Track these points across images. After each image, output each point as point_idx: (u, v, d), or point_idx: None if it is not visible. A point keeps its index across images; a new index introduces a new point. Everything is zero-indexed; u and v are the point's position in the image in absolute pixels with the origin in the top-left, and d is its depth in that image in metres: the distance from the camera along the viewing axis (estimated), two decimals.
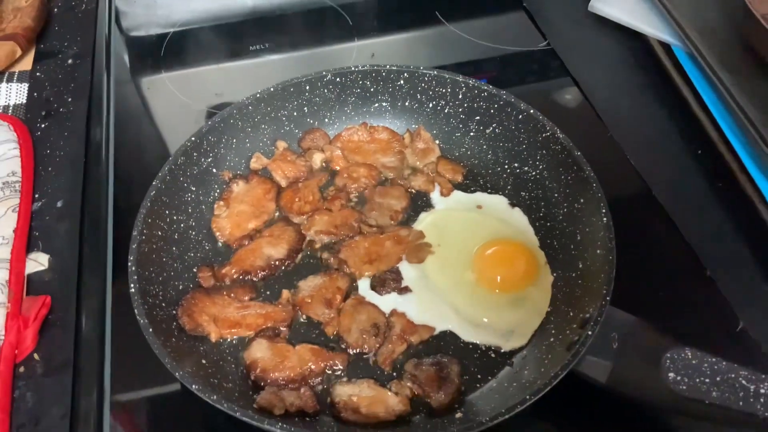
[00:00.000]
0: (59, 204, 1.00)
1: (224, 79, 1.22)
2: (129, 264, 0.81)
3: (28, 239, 0.96)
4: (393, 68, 1.02)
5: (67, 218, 0.99)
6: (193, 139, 0.94)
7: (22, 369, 0.84)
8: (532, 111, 0.95)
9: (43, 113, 1.13)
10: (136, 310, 0.77)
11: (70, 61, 1.22)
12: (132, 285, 0.79)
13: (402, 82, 1.03)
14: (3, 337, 0.85)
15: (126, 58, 1.26)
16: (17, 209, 0.99)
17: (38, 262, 0.94)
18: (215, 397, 0.71)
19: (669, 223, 0.95)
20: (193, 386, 0.71)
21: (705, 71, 1.03)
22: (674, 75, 1.09)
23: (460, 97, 1.01)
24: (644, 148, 1.03)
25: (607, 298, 0.76)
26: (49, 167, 1.05)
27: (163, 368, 0.81)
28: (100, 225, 0.98)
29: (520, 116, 0.97)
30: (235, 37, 1.28)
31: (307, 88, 1.02)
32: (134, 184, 1.04)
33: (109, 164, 1.06)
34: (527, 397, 0.70)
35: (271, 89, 1.00)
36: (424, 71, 1.01)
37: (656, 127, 1.07)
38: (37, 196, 1.02)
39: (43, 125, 1.11)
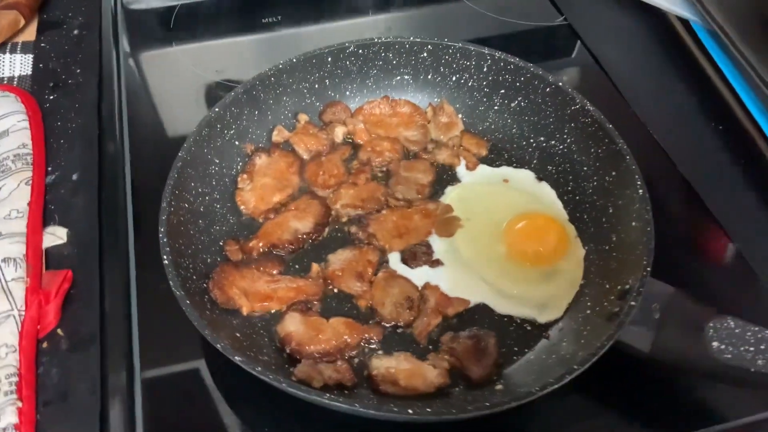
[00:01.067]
0: (74, 177, 0.97)
1: (236, 52, 1.20)
2: (160, 235, 0.79)
3: (43, 213, 0.93)
4: (417, 40, 1.00)
5: (83, 191, 0.96)
6: (216, 110, 0.92)
7: (45, 345, 0.81)
8: (560, 84, 0.94)
9: (51, 85, 1.10)
10: (171, 282, 0.75)
11: (75, 31, 1.18)
12: (165, 257, 0.77)
13: (425, 54, 1.01)
14: (24, 313, 0.83)
15: (133, 30, 1.22)
16: (30, 182, 0.95)
17: (56, 236, 0.91)
18: (259, 368, 0.69)
19: (695, 197, 0.95)
20: (236, 357, 0.70)
21: (727, 48, 1.03)
22: (695, 51, 1.09)
23: (485, 70, 1.00)
24: (667, 124, 1.03)
25: (648, 269, 0.76)
26: (61, 140, 1.02)
27: (191, 342, 0.81)
28: (118, 198, 0.96)
29: (548, 89, 0.96)
30: (247, 9, 1.25)
31: (329, 59, 1.00)
32: (148, 158, 1.02)
33: (124, 137, 1.03)
34: (575, 366, 0.70)
35: (294, 60, 0.98)
36: (449, 43, 1.00)
37: (678, 103, 1.07)
38: (50, 169, 0.98)
39: (51, 97, 1.08)
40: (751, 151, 0.99)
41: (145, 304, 0.85)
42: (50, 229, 0.92)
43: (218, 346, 0.70)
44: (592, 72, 1.14)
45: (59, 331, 0.82)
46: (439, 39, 1.00)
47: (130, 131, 1.05)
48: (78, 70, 1.12)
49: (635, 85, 1.09)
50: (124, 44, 1.20)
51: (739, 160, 0.99)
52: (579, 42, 1.18)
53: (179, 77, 1.15)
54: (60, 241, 0.90)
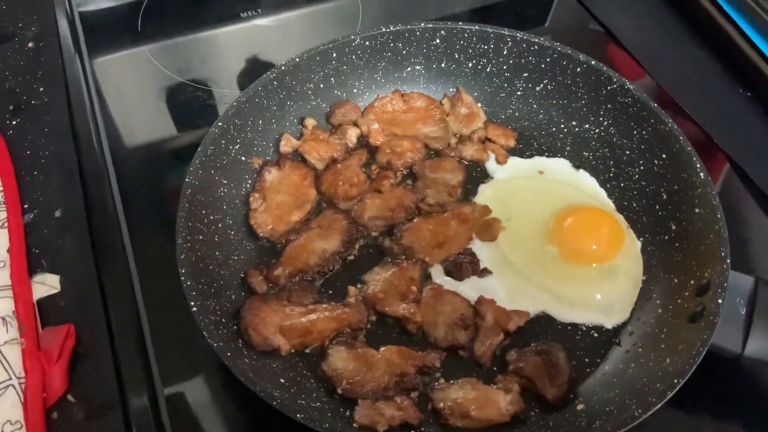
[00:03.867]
0: (57, 213, 0.86)
1: (215, 48, 1.08)
2: (182, 278, 0.68)
3: (28, 258, 0.81)
4: (429, 26, 0.91)
5: (70, 229, 0.84)
6: (220, 124, 0.81)
7: (55, 415, 0.71)
8: (593, 62, 0.87)
9: (11, 107, 0.96)
10: (205, 333, 0.65)
11: (30, 44, 1.04)
12: (192, 303, 0.67)
13: (438, 41, 0.92)
14: (25, 380, 0.71)
15: (95, 35, 1.08)
16: (6, 224, 0.83)
17: (48, 284, 0.79)
18: (327, 425, 0.60)
19: (739, 171, 0.89)
20: (299, 416, 0.60)
21: (746, 3, 0.97)
22: (714, 14, 1.02)
23: (505, 53, 0.92)
24: (694, 93, 0.97)
25: (728, 261, 0.70)
26: (34, 171, 0.89)
27: (219, 387, 0.71)
28: (113, 232, 0.84)
29: (578, 69, 0.88)
30: (223, 2, 1.13)
31: (334, 55, 0.90)
32: (139, 177, 0.91)
33: (105, 158, 0.91)
34: (675, 381, 0.63)
35: (296, 59, 0.87)
36: (464, 27, 0.91)
37: (702, 70, 1.01)
38: (26, 206, 0.86)
39: (14, 122, 0.95)
40: None
41: (164, 351, 0.75)
42: (39, 277, 0.80)
43: (274, 404, 0.61)
44: (604, 44, 1.06)
45: (70, 397, 0.72)
46: (453, 23, 0.91)
47: (111, 149, 0.93)
48: (40, 88, 0.99)
49: (653, 55, 1.02)
50: (87, 52, 1.06)
51: None
52: (586, 11, 1.10)
53: (154, 80, 1.03)
54: (53, 291, 0.79)
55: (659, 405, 0.62)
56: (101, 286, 0.79)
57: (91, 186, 0.88)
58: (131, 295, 0.79)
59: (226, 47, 1.11)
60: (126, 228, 0.84)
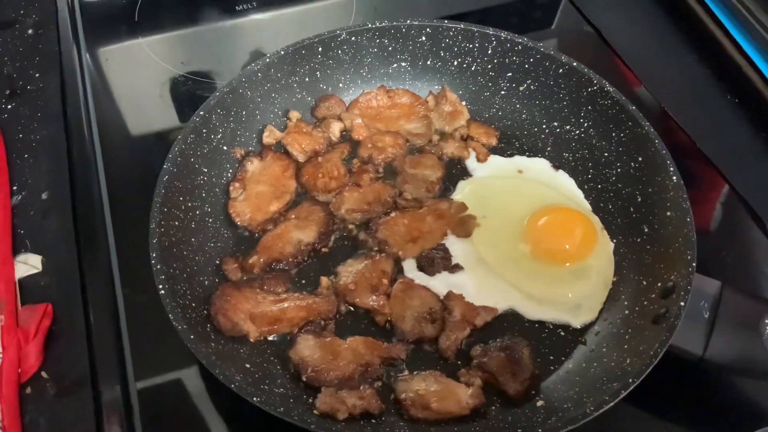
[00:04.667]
0: (44, 196, 0.88)
1: (209, 41, 1.10)
2: (152, 261, 0.70)
3: (12, 238, 0.83)
4: (414, 24, 0.92)
5: (55, 211, 0.86)
6: (201, 113, 0.83)
7: (29, 390, 0.73)
8: (575, 64, 0.87)
9: (7, 92, 0.99)
10: (170, 315, 0.66)
11: (30, 31, 1.07)
12: (160, 285, 0.69)
13: (424, 38, 0.93)
14: (2, 356, 0.73)
15: (93, 24, 1.11)
16: None
17: (30, 264, 0.82)
18: (282, 409, 0.62)
19: (719, 176, 0.89)
20: (254, 399, 0.62)
21: (738, 11, 0.97)
22: (704, 17, 1.02)
23: (489, 52, 0.92)
24: (682, 99, 0.98)
25: (693, 264, 0.70)
26: (25, 154, 0.92)
27: (190, 371, 0.73)
28: (96, 217, 0.86)
29: (561, 70, 0.89)
30: None
31: (320, 49, 0.91)
32: (125, 166, 0.93)
33: (94, 146, 0.93)
34: (630, 380, 0.64)
35: (281, 52, 0.89)
36: (449, 25, 0.92)
37: (691, 76, 1.01)
38: (15, 188, 0.88)
39: (9, 106, 0.97)
40: None
41: (138, 334, 0.76)
42: (22, 257, 0.82)
43: (232, 386, 0.63)
44: (595, 47, 1.06)
45: (44, 373, 0.74)
46: (438, 20, 0.92)
47: (101, 138, 0.95)
48: (36, 74, 1.01)
49: (643, 58, 1.02)
50: (84, 41, 1.08)
51: (761, 133, 0.94)
52: (577, 13, 1.10)
53: (147, 72, 1.05)
54: (35, 271, 0.81)
55: (612, 403, 0.63)
56: (81, 268, 0.81)
57: (78, 171, 0.90)
58: (109, 278, 0.80)
59: (222, 41, 1.12)
60: (109, 213, 0.86)
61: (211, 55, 1.09)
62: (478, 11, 1.16)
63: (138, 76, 1.05)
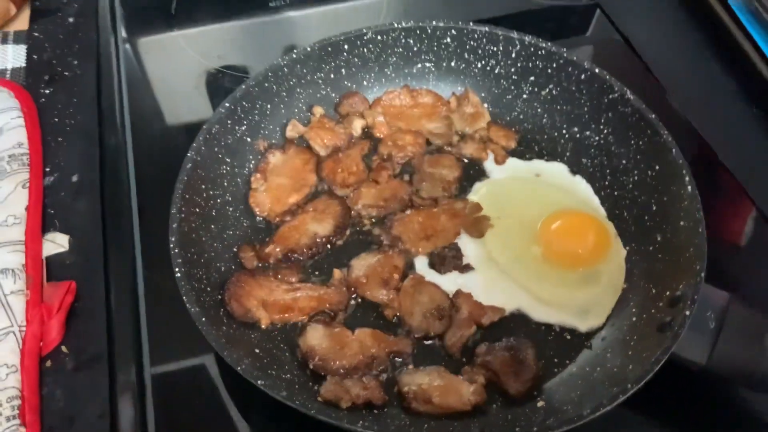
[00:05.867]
0: (74, 178, 0.91)
1: (242, 37, 1.13)
2: (171, 245, 0.73)
3: (42, 218, 0.87)
4: (439, 25, 0.93)
5: (84, 194, 0.90)
6: (227, 105, 0.85)
7: (48, 363, 0.76)
8: (597, 70, 0.88)
9: (46, 77, 1.03)
10: (185, 298, 0.69)
11: (71, 19, 1.11)
12: (177, 269, 0.71)
13: (449, 40, 0.94)
14: (24, 329, 0.77)
15: (131, 15, 1.14)
16: (27, 185, 0.89)
17: (57, 243, 0.85)
18: (284, 393, 0.63)
19: (741, 191, 0.89)
20: (259, 382, 0.64)
21: (766, 24, 0.96)
22: (733, 29, 1.01)
23: (513, 56, 0.93)
24: (706, 110, 0.97)
25: (702, 274, 0.70)
26: (59, 137, 0.95)
27: (204, 354, 0.75)
28: (123, 200, 0.89)
29: (583, 76, 0.89)
30: None
31: (346, 47, 0.93)
32: (153, 153, 0.96)
33: (126, 132, 0.97)
34: (629, 385, 0.64)
35: (308, 49, 0.91)
36: (474, 28, 0.93)
37: (717, 87, 1.00)
38: (48, 169, 0.92)
39: (47, 91, 1.01)
40: None
41: (156, 316, 0.79)
42: (50, 235, 0.85)
43: (239, 369, 0.65)
44: (624, 55, 1.06)
45: (63, 348, 0.77)
46: (463, 23, 0.93)
47: (132, 125, 0.98)
48: (75, 61, 1.05)
49: (670, 68, 1.02)
50: (123, 31, 1.12)
51: None
52: (608, 22, 1.10)
53: (182, 64, 1.08)
54: (61, 249, 0.84)
55: (609, 407, 0.63)
56: (105, 249, 0.84)
57: (108, 156, 0.93)
58: (132, 260, 0.84)
59: (256, 36, 1.15)
60: (136, 198, 0.89)
61: (245, 50, 1.12)
62: (513, 15, 1.16)
63: (175, 67, 1.08)
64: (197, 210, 0.79)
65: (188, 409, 0.75)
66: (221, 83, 1.05)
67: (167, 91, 1.05)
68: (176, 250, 0.72)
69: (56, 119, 0.97)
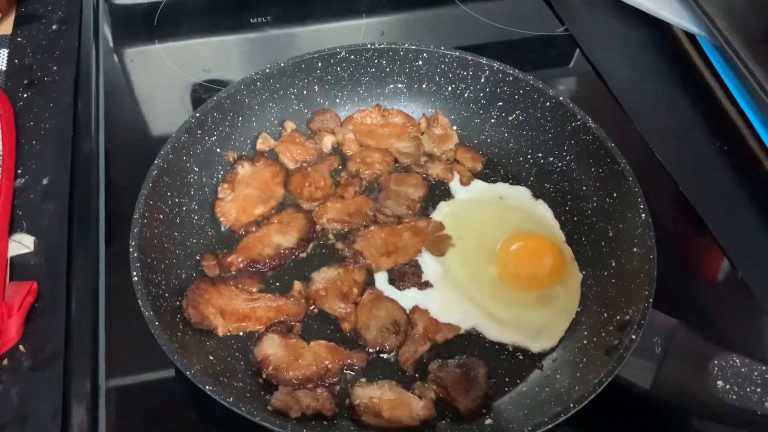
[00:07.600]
0: (45, 181, 0.92)
1: (222, 52, 1.15)
2: (131, 249, 0.74)
3: (10, 219, 0.88)
4: (412, 47, 0.95)
5: (53, 197, 0.91)
6: (197, 115, 0.87)
7: (5, 362, 0.76)
8: (561, 98, 0.90)
9: (26, 82, 1.04)
10: (140, 301, 0.70)
11: (54, 26, 1.12)
12: (134, 273, 0.72)
13: (420, 62, 0.96)
14: None
15: (115, 26, 1.16)
16: None
17: (22, 244, 0.86)
18: (231, 399, 0.64)
19: (698, 221, 0.91)
20: (207, 387, 0.65)
21: (734, 63, 0.99)
22: (700, 66, 1.04)
23: (482, 80, 0.95)
24: (670, 141, 0.99)
25: (650, 300, 0.72)
26: (33, 141, 0.97)
27: (161, 361, 0.75)
28: (91, 205, 0.90)
29: (548, 103, 0.91)
30: (236, 8, 1.20)
31: (319, 65, 0.95)
32: (126, 162, 0.97)
33: (99, 139, 0.98)
34: (571, 405, 0.65)
35: (281, 64, 0.93)
36: (445, 52, 0.95)
37: (682, 120, 1.03)
38: (20, 171, 0.93)
39: (25, 95, 1.02)
40: (758, 173, 0.94)
41: (115, 319, 0.80)
42: (16, 236, 0.86)
43: (188, 373, 0.65)
44: (594, 86, 1.09)
45: (21, 347, 0.77)
46: (435, 47, 0.95)
47: (107, 133, 1.00)
48: (55, 67, 1.06)
49: (637, 99, 1.04)
50: (105, 40, 1.14)
51: (745, 183, 0.95)
52: (577, 52, 1.13)
53: (161, 76, 1.10)
54: (26, 250, 0.85)
55: (550, 426, 0.64)
56: (69, 251, 0.85)
57: (80, 162, 0.94)
58: (95, 264, 0.84)
59: (236, 52, 1.17)
60: (103, 204, 0.90)
61: (226, 65, 1.13)
62: (496, 43, 1.19)
63: (154, 79, 1.10)
64: (161, 216, 0.80)
65: (141, 413, 0.75)
66: (199, 96, 1.06)
67: (146, 101, 1.06)
68: (135, 254, 0.73)
69: (32, 123, 0.99)
